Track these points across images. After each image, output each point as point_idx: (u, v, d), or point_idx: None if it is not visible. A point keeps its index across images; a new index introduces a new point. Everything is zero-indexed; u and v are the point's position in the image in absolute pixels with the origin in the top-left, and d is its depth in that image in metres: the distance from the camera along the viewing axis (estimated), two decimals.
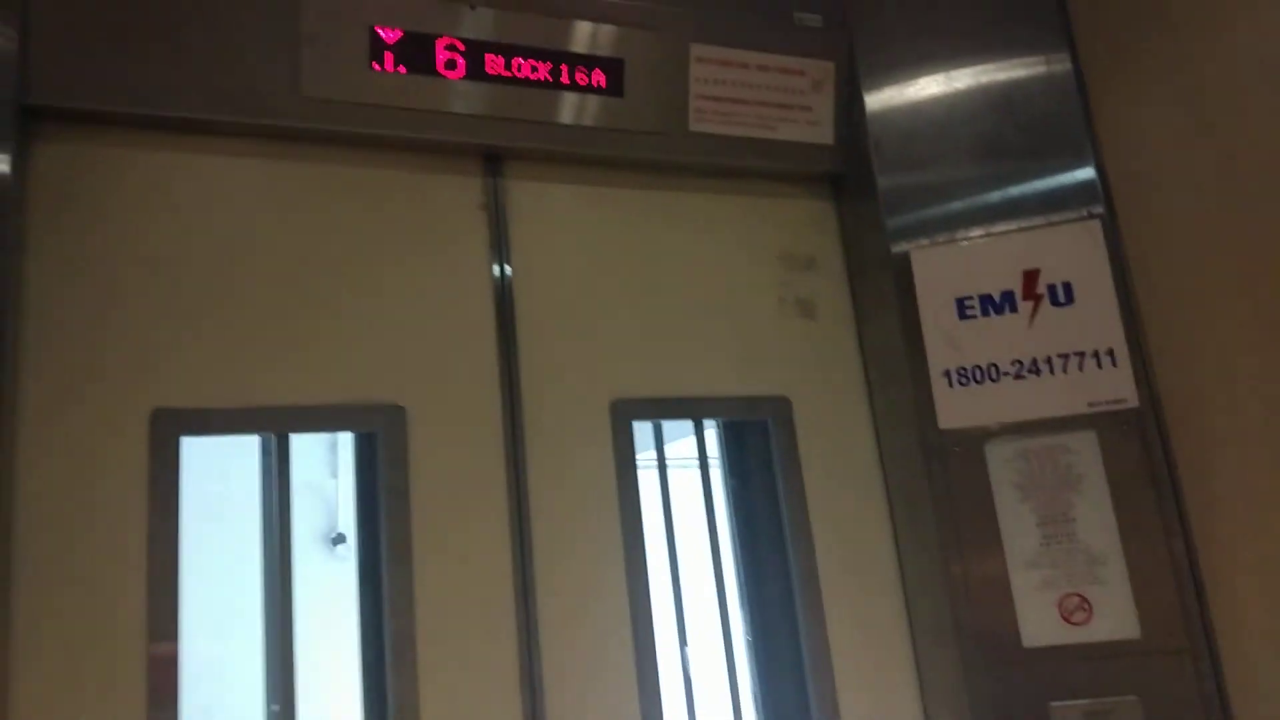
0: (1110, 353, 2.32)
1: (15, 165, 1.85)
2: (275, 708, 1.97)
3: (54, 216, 1.96)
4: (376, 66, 2.16)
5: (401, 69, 2.18)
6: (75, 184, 2.00)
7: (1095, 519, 2.26)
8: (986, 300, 2.39)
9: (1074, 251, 2.37)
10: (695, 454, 2.46)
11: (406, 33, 2.17)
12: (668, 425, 2.44)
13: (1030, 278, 2.37)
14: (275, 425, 2.06)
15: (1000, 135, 2.46)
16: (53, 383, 1.89)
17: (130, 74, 2.00)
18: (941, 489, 2.33)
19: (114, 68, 1.99)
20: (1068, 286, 2.36)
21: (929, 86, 2.51)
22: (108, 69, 1.98)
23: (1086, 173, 2.40)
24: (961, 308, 2.39)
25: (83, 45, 1.97)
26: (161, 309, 2.01)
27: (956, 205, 2.45)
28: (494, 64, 2.25)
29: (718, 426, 2.60)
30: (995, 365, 2.35)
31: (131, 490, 1.90)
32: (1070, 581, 2.24)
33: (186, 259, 2.05)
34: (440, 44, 2.20)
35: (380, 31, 2.15)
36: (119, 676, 1.82)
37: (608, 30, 2.34)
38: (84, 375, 1.92)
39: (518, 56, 2.27)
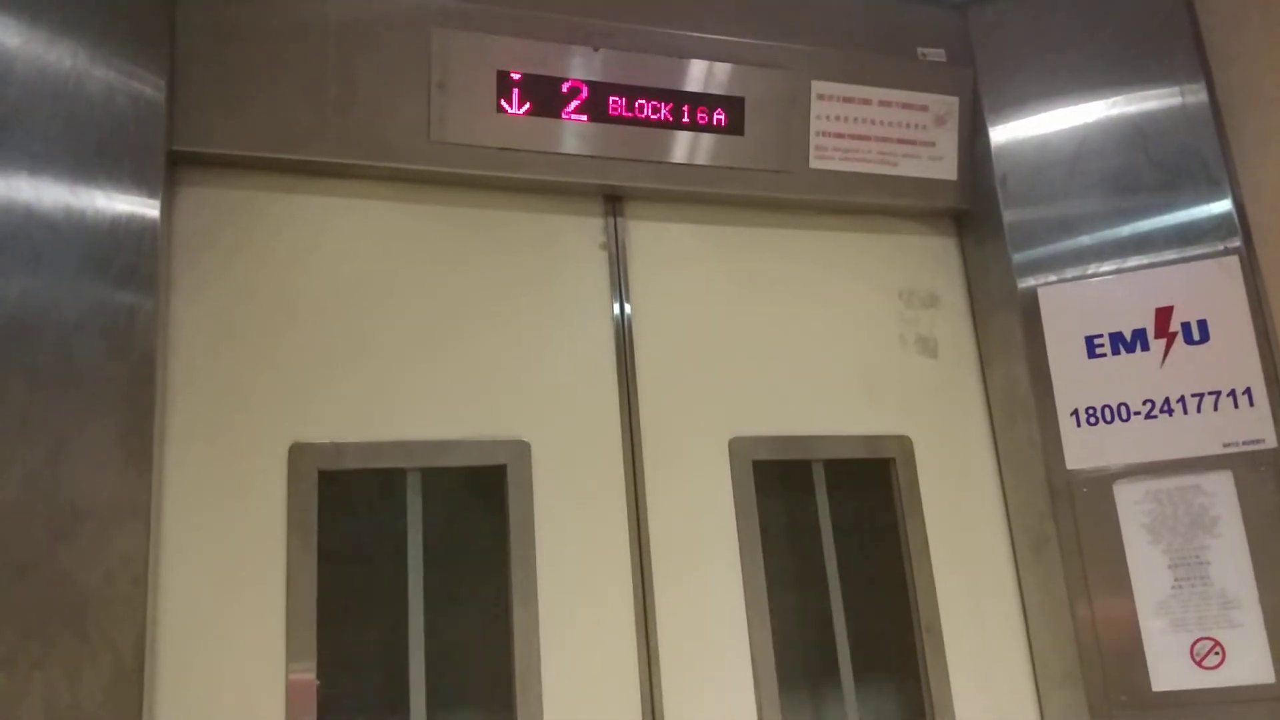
0: (1248, 392, 2.25)
1: (163, 209, 1.91)
2: None
3: (196, 257, 2.03)
4: (502, 110, 2.20)
5: (526, 112, 2.21)
6: (216, 225, 2.07)
7: (1230, 561, 2.20)
8: (1117, 338, 2.33)
9: (1209, 288, 2.30)
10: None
11: (531, 77, 2.21)
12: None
13: (1163, 315, 2.32)
14: (407, 459, 2.10)
15: (1132, 169, 2.40)
16: (195, 417, 1.95)
17: (268, 120, 2.06)
18: (1068, 530, 2.29)
19: (253, 115, 2.05)
20: (1202, 324, 2.29)
21: (1057, 120, 2.47)
22: (247, 116, 2.05)
23: (1223, 206, 2.33)
24: (1091, 345, 2.34)
25: (224, 94, 2.03)
26: (299, 345, 2.07)
27: (1086, 240, 2.40)
28: (617, 105, 2.27)
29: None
30: (1125, 405, 2.30)
31: (271, 522, 1.96)
32: (1202, 625, 2.20)
33: (322, 297, 2.11)
34: (564, 87, 2.23)
35: (506, 76, 2.19)
36: (258, 702, 1.87)
37: (729, 69, 2.35)
38: (225, 410, 1.98)
39: (640, 97, 2.29)
